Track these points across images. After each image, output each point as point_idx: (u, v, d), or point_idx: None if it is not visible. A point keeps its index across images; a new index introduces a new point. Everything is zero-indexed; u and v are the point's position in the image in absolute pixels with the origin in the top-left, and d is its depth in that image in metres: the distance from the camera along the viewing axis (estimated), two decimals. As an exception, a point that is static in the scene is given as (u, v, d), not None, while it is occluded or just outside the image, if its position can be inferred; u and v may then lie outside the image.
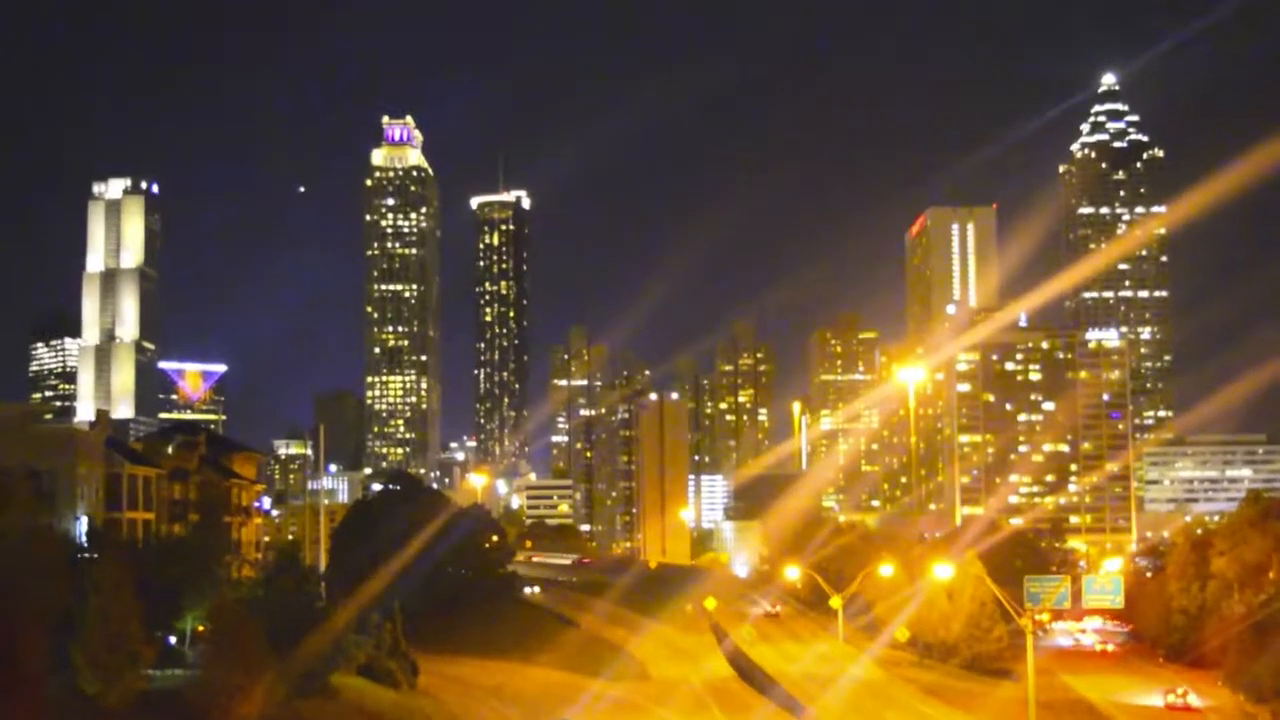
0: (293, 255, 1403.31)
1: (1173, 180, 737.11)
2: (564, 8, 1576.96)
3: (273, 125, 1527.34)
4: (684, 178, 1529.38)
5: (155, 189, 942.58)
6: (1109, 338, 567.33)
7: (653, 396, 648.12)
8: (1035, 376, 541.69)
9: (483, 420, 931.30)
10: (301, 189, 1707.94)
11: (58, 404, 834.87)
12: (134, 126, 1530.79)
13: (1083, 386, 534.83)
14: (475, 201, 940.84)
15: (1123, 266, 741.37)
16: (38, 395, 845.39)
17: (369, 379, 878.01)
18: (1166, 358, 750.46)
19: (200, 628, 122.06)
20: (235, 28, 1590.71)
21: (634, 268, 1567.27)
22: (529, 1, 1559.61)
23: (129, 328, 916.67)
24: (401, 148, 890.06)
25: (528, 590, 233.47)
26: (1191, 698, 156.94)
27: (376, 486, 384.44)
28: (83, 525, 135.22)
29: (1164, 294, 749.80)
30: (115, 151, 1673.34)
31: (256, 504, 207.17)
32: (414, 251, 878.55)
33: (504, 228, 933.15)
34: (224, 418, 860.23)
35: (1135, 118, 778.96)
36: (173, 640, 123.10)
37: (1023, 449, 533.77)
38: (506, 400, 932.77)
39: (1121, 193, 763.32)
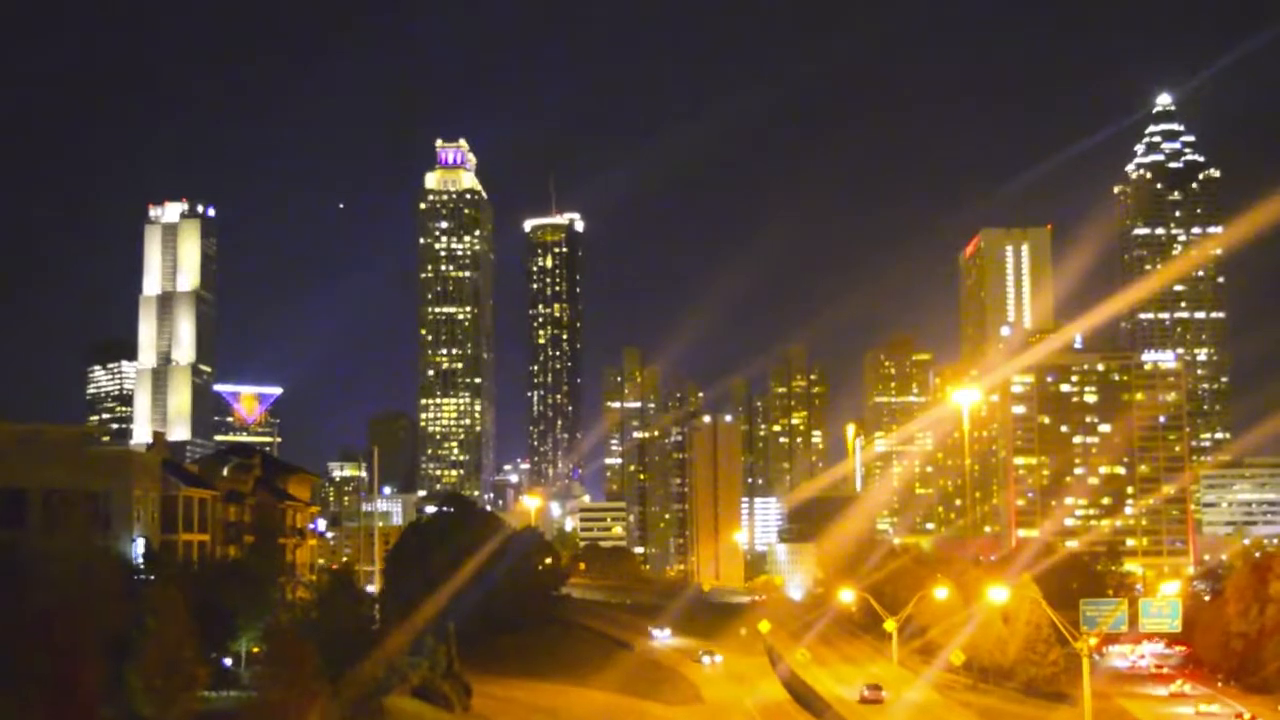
0: (347, 278, 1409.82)
1: (1229, 201, 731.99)
2: (617, 31, 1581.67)
3: (327, 149, 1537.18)
4: (737, 199, 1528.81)
5: (211, 213, 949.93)
6: (1165, 359, 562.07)
7: (706, 418, 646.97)
8: (1091, 398, 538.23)
9: (536, 442, 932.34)
10: (340, 205, 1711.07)
11: (115, 426, 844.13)
12: (190, 151, 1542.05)
13: (1139, 408, 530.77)
14: (528, 224, 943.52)
15: (1178, 288, 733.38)
16: (95, 418, 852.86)
17: (423, 401, 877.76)
18: (1223, 379, 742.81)
19: (255, 649, 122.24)
20: (290, 52, 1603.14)
21: (687, 290, 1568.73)
22: (581, 26, 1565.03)
23: (185, 350, 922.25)
24: (455, 171, 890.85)
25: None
26: (1186, 688, 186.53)
27: (430, 509, 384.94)
28: (139, 547, 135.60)
29: (1220, 315, 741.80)
30: (171, 175, 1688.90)
31: (311, 526, 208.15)
32: (467, 274, 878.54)
33: (557, 250, 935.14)
34: (279, 440, 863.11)
35: (1191, 138, 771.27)
36: (228, 662, 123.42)
37: (1078, 471, 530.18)
38: (560, 422, 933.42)
39: (1177, 213, 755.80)
